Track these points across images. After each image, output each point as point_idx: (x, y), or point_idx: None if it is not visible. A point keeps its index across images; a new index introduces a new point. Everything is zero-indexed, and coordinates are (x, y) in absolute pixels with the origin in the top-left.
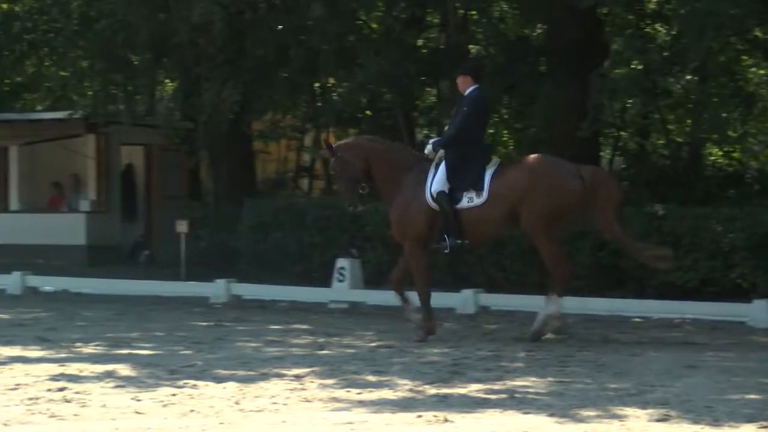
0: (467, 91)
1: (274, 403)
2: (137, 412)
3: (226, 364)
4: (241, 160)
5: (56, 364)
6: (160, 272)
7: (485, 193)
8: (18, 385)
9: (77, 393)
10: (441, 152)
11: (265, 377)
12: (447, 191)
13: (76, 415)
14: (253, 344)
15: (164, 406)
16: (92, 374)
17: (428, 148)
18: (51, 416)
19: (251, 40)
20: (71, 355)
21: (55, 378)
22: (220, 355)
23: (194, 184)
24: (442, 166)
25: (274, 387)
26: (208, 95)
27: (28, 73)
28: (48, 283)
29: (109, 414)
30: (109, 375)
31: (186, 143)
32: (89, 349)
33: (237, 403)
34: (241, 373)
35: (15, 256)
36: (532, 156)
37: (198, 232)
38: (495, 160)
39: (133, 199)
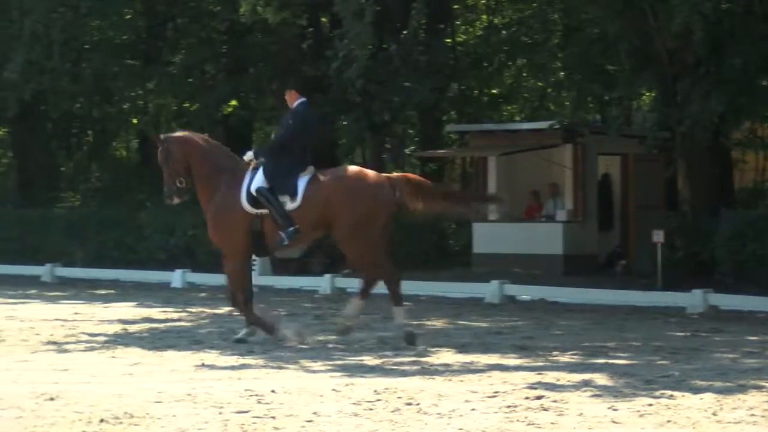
0: (293, 105)
1: (752, 415)
2: (614, 422)
3: (703, 375)
4: (719, 170)
5: (534, 373)
6: (636, 282)
7: (299, 199)
8: (496, 392)
9: (554, 401)
10: (260, 159)
11: (742, 389)
12: (267, 187)
13: (553, 423)
14: (731, 355)
15: (641, 416)
16: (569, 383)
17: (248, 155)
18: (528, 424)
19: (732, 48)
20: (548, 363)
21: (532, 386)
22: (696, 366)
23: (670, 194)
24: (260, 171)
25: (752, 399)
26: (689, 107)
27: (507, 85)
28: (525, 292)
29: (586, 423)
30: (585, 384)
31: (663, 153)
32: (566, 358)
33: (714, 414)
34: (718, 384)
35: (493, 264)
36: (346, 167)
37: (673, 242)
38: (311, 169)
39: (609, 209)
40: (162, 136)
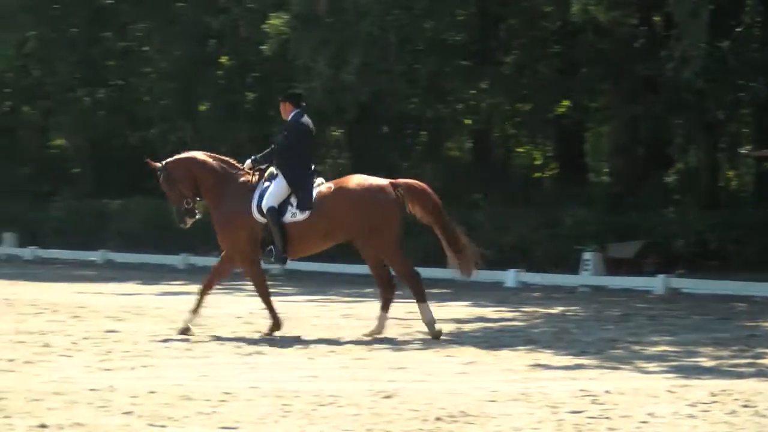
0: (289, 117)
1: None
2: None
3: None
4: None
5: None
6: None
7: (308, 210)
8: None
9: None
10: (271, 169)
11: None
12: (276, 207)
13: None
14: None
15: None
16: None
17: (248, 163)
18: None
19: None
20: None
21: None
22: None
23: None
24: (275, 183)
25: None
26: None
27: None
28: None
29: None
30: None
31: None
32: None
33: None
34: None
35: None
36: (352, 176)
37: None
38: (320, 180)
39: None
40: (159, 164)
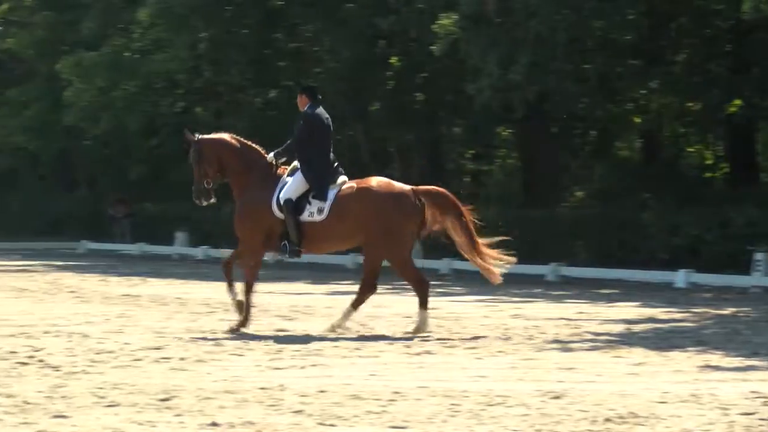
0: (304, 109)
1: None
2: None
3: None
4: None
5: None
6: None
7: (326, 211)
8: None
9: None
10: (294, 163)
11: None
12: (294, 200)
13: None
14: None
15: None
16: None
17: (270, 156)
18: None
19: None
20: None
21: None
22: None
23: None
24: (295, 177)
25: None
26: None
27: None
28: None
29: None
30: None
31: None
32: None
33: None
34: None
35: None
36: (374, 178)
37: None
38: (342, 179)
39: None
40: (195, 137)
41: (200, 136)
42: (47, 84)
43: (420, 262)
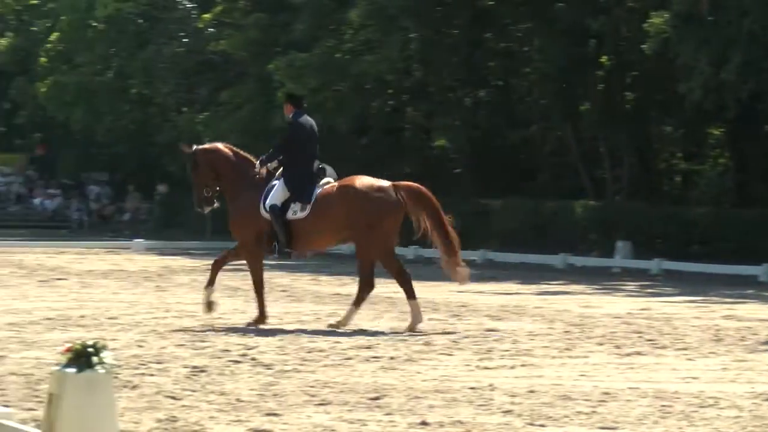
0: (289, 117)
1: None
2: None
3: None
4: None
5: None
6: None
7: (309, 208)
8: None
9: None
10: (281, 169)
11: None
12: (280, 205)
13: None
14: None
15: None
16: None
17: (257, 166)
18: None
19: None
20: None
21: None
22: None
23: None
24: (280, 181)
25: None
26: None
27: None
28: None
29: None
30: None
31: None
32: None
33: None
34: None
35: None
36: (355, 177)
37: None
38: (325, 179)
39: None
40: (191, 148)
41: (195, 147)
42: (259, 85)
43: (630, 263)
